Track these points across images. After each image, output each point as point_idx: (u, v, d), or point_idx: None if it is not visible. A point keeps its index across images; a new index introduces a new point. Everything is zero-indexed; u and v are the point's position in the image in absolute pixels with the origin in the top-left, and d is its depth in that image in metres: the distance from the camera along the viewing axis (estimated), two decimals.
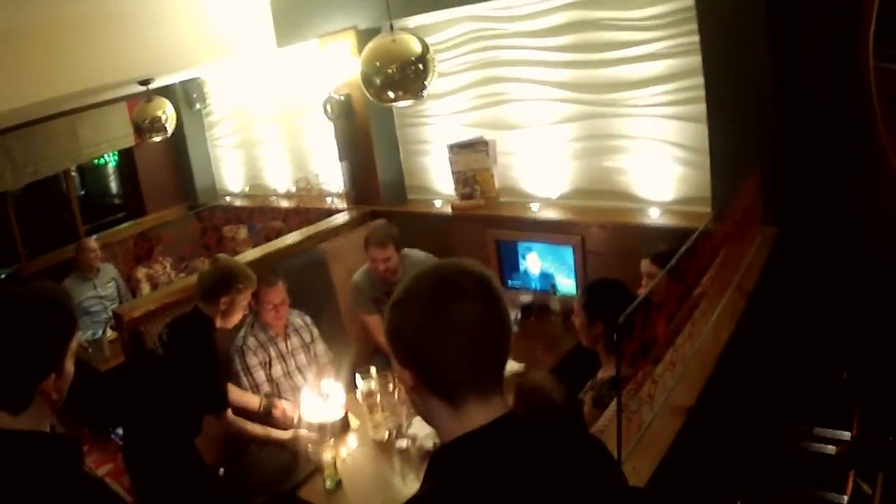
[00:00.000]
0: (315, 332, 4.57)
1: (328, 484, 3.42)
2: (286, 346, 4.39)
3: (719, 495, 3.06)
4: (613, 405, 2.48)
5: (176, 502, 3.60)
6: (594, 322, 3.15)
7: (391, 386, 3.89)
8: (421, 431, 3.59)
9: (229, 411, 3.81)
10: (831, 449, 3.36)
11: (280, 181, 7.61)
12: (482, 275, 1.43)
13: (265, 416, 4.04)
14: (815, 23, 3.96)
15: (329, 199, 6.68)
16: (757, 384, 3.71)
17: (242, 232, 7.38)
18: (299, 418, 3.99)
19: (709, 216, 3.77)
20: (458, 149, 5.59)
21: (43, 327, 1.65)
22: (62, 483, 1.59)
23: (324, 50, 5.87)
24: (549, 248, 5.13)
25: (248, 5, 6.01)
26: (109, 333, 5.80)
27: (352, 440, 3.85)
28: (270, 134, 7.62)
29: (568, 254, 5.01)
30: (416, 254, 5.07)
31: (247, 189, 8.19)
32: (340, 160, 6.29)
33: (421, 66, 3.66)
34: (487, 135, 5.52)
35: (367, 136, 5.99)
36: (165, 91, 6.88)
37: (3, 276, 7.12)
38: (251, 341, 4.28)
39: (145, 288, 6.74)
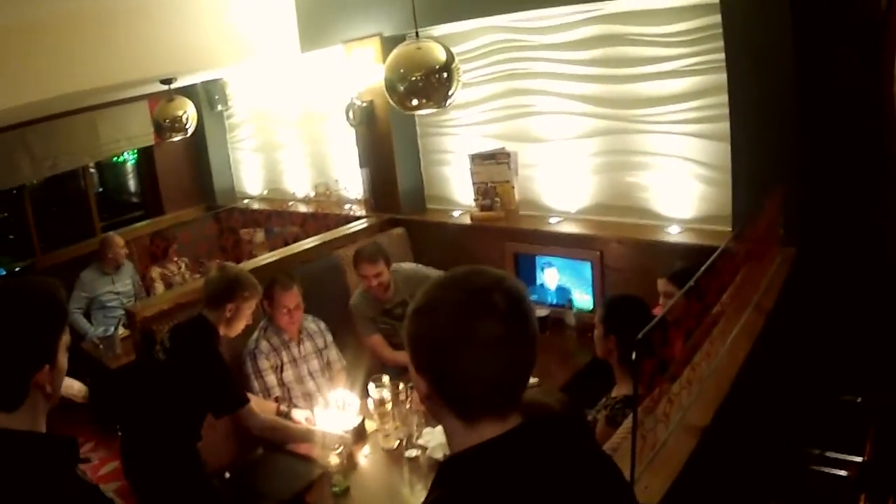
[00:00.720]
0: (329, 337, 4.56)
1: (336, 490, 3.39)
2: (299, 350, 4.38)
3: None
4: (627, 423, 2.45)
5: None
6: (609, 335, 3.15)
7: (403, 395, 3.86)
8: (431, 441, 3.56)
9: (251, 405, 3.76)
10: (843, 473, 3.33)
11: (299, 186, 7.58)
12: (516, 291, 1.38)
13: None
14: (839, 42, 3.94)
15: (348, 206, 6.67)
16: (771, 405, 3.67)
17: (259, 235, 7.38)
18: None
19: (729, 235, 3.74)
20: (480, 160, 5.57)
21: (35, 317, 1.64)
22: (53, 487, 1.56)
23: (348, 56, 5.86)
24: (568, 262, 5.09)
25: (274, 9, 6.04)
26: (122, 331, 5.80)
27: (363, 447, 3.82)
28: (291, 138, 7.61)
29: (586, 269, 4.97)
30: (405, 267, 5.09)
31: (265, 193, 8.17)
32: (361, 167, 6.28)
33: (445, 74, 3.64)
34: (509, 147, 5.49)
35: (389, 143, 5.97)
36: (187, 91, 6.90)
37: (17, 270, 7.14)
38: (264, 345, 4.26)
39: (159, 287, 6.73)
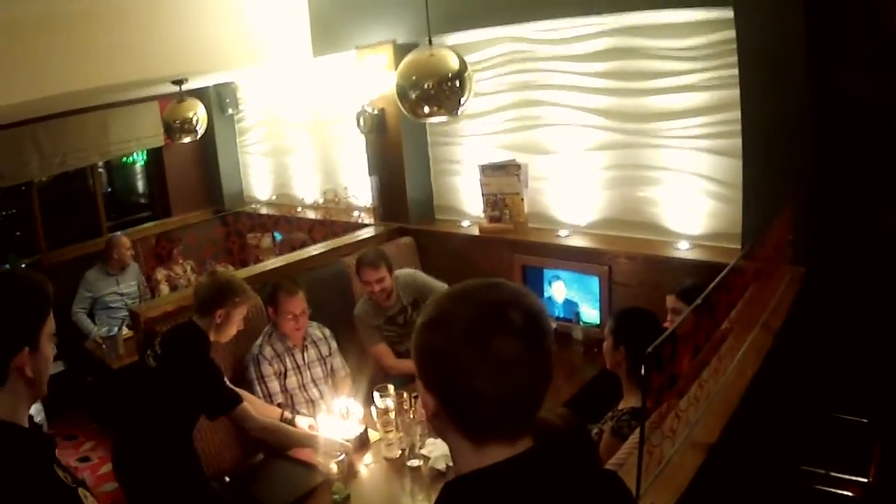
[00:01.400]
0: (333, 345, 4.52)
1: (336, 498, 3.36)
2: (303, 357, 4.34)
3: None
4: (633, 437, 2.42)
5: None
6: (618, 347, 3.14)
7: (407, 405, 3.83)
8: (434, 452, 3.52)
9: (246, 405, 3.71)
10: (848, 493, 3.29)
11: (308, 192, 7.58)
12: (533, 307, 1.31)
13: None
14: (854, 59, 3.91)
15: (356, 214, 6.65)
16: (778, 424, 3.64)
17: (266, 240, 7.34)
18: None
19: (738, 253, 3.71)
20: (490, 170, 5.55)
21: (14, 299, 1.66)
22: (26, 484, 1.54)
23: (360, 62, 5.85)
24: (576, 276, 5.06)
25: (287, 13, 6.04)
26: (126, 332, 5.78)
27: (364, 456, 3.79)
28: (301, 143, 7.60)
29: (594, 283, 4.93)
30: (403, 273, 5.05)
31: (274, 198, 8.17)
32: (370, 174, 6.26)
33: (458, 83, 3.61)
34: (520, 158, 5.47)
35: (399, 152, 5.95)
36: (199, 93, 6.91)
37: (23, 266, 7.14)
38: (267, 350, 4.23)
39: (164, 289, 6.73)
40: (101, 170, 8.19)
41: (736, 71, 4.10)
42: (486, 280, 1.37)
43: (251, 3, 5.79)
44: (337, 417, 3.94)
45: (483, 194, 5.63)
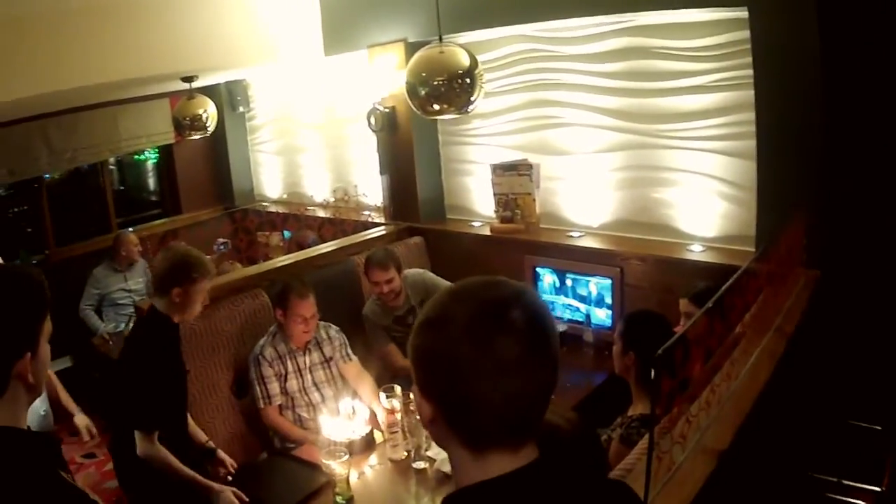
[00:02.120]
0: (338, 341, 4.40)
1: (340, 500, 3.31)
2: (305, 360, 4.28)
3: None
4: (643, 443, 2.37)
5: None
6: (627, 351, 3.08)
7: (413, 406, 3.78)
8: (440, 454, 3.47)
9: (152, 439, 3.36)
10: (860, 502, 3.25)
11: (319, 190, 7.55)
12: (537, 307, 1.24)
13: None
14: (870, 62, 3.85)
15: (367, 213, 6.63)
16: (790, 431, 3.58)
17: (275, 238, 7.33)
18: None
19: (752, 255, 3.66)
20: (502, 170, 5.50)
21: (16, 301, 1.57)
22: (33, 488, 1.46)
23: (371, 61, 5.82)
24: (587, 278, 5.00)
25: (299, 11, 6.00)
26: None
27: (370, 457, 3.74)
28: (312, 142, 7.57)
29: (606, 285, 4.88)
30: (411, 273, 5.01)
31: (285, 196, 8.14)
32: (381, 174, 6.21)
33: (468, 80, 3.57)
34: (532, 158, 5.41)
35: (409, 151, 5.91)
36: (209, 91, 6.89)
37: (33, 262, 7.14)
38: (269, 352, 4.17)
39: None
40: (112, 167, 8.20)
41: (750, 71, 4.05)
42: (487, 277, 1.30)
43: (263, 1, 5.76)
44: (342, 418, 3.88)
45: (494, 194, 5.58)
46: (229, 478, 3.76)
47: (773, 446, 3.31)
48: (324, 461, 3.46)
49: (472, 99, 3.62)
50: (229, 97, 8.09)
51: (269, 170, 8.40)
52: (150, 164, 8.89)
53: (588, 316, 4.97)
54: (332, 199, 7.06)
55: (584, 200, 5.26)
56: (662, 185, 4.82)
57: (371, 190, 6.60)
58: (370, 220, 6.43)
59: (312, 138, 7.56)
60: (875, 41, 3.84)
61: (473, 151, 5.94)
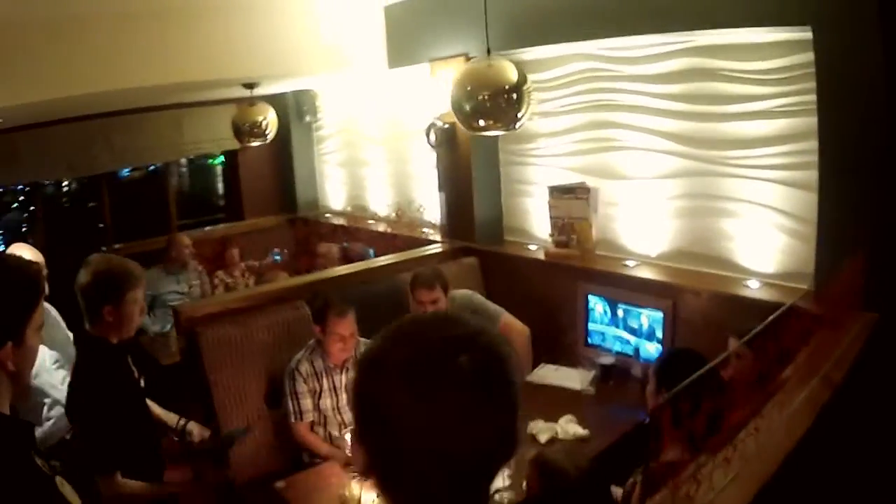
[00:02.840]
0: None
1: None
2: (341, 379, 4.18)
3: None
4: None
5: None
6: (660, 390, 2.90)
7: None
8: None
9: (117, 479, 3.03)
10: None
11: (380, 204, 7.50)
12: (491, 351, 1.07)
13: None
14: None
15: (425, 230, 6.53)
16: (825, 497, 3.26)
17: (334, 249, 7.27)
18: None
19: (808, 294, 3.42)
20: (559, 193, 5.30)
21: (4, 291, 1.60)
22: (3, 472, 1.48)
23: (433, 75, 5.70)
24: (639, 309, 4.78)
25: (364, 22, 5.96)
26: None
27: None
28: (376, 155, 7.50)
29: (657, 318, 4.65)
30: (459, 294, 4.84)
31: (348, 209, 8.10)
32: (439, 190, 6.09)
33: (515, 95, 3.45)
34: (591, 182, 5.21)
35: (468, 168, 5.76)
36: (278, 100, 7.00)
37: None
38: (304, 367, 4.09)
39: (219, 293, 6.72)
40: (184, 169, 8.29)
41: (814, 97, 3.79)
42: (441, 315, 1.15)
43: (329, 11, 5.74)
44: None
45: (551, 217, 5.38)
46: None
47: None
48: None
49: (520, 115, 3.50)
50: (297, 106, 8.11)
51: (334, 181, 8.37)
52: (220, 168, 8.97)
53: (637, 349, 4.75)
54: (393, 214, 7.00)
55: (641, 228, 5.03)
56: (721, 216, 4.57)
57: (430, 207, 6.48)
58: (427, 237, 6.34)
59: (376, 151, 7.49)
60: None
61: (535, 172, 5.76)
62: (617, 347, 4.86)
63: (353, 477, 3.29)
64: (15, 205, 9.21)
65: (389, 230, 6.82)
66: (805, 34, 3.71)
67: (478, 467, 1.07)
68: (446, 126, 5.68)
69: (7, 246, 8.13)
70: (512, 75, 3.45)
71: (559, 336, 5.11)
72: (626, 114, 4.97)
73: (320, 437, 4.13)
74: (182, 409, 3.74)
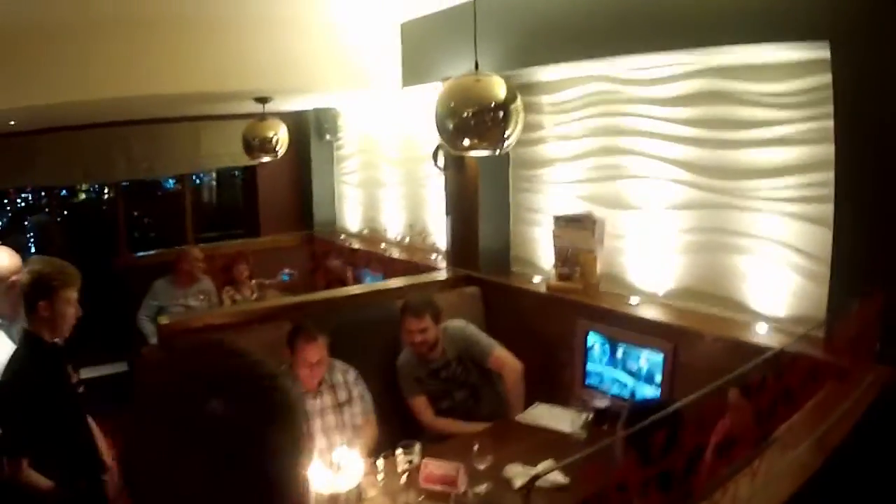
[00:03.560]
0: (357, 390, 4.21)
1: None
2: (315, 404, 4.05)
3: None
4: None
5: None
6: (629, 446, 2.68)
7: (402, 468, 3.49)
8: None
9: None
10: None
11: (393, 227, 7.39)
12: (254, 389, 0.92)
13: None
14: None
15: (434, 255, 6.38)
16: None
17: (348, 270, 7.18)
18: None
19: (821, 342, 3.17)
20: (564, 223, 5.10)
21: None
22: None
23: None
24: (638, 350, 4.55)
25: (380, 39, 5.88)
26: None
27: None
28: (391, 176, 7.41)
29: (657, 361, 4.41)
30: (453, 325, 4.69)
31: (365, 231, 8.00)
32: (446, 214, 5.91)
33: (502, 113, 3.26)
34: (598, 211, 5.00)
35: (475, 194, 5.59)
36: (300, 117, 7.05)
37: None
38: None
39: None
40: (213, 181, 8.28)
41: (832, 122, 3.49)
42: (201, 343, 0.95)
43: (345, 27, 5.67)
44: (331, 469, 3.57)
45: (555, 248, 5.17)
46: None
47: None
48: None
49: (507, 135, 3.31)
50: (317, 124, 8.05)
51: (351, 202, 8.29)
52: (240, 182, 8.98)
53: (633, 393, 4.52)
54: (403, 238, 6.90)
55: (647, 263, 4.81)
56: (732, 252, 4.31)
57: (439, 232, 6.33)
58: (430, 263, 6.21)
59: (392, 173, 7.39)
60: None
61: (545, 199, 5.56)
62: (615, 390, 4.64)
63: None
64: (46, 209, 9.33)
65: (402, 254, 6.70)
66: (823, 52, 3.46)
67: None
68: None
69: (37, 249, 8.27)
70: (500, 92, 3.28)
71: (558, 373, 4.92)
72: (636, 139, 4.76)
73: None
74: None
